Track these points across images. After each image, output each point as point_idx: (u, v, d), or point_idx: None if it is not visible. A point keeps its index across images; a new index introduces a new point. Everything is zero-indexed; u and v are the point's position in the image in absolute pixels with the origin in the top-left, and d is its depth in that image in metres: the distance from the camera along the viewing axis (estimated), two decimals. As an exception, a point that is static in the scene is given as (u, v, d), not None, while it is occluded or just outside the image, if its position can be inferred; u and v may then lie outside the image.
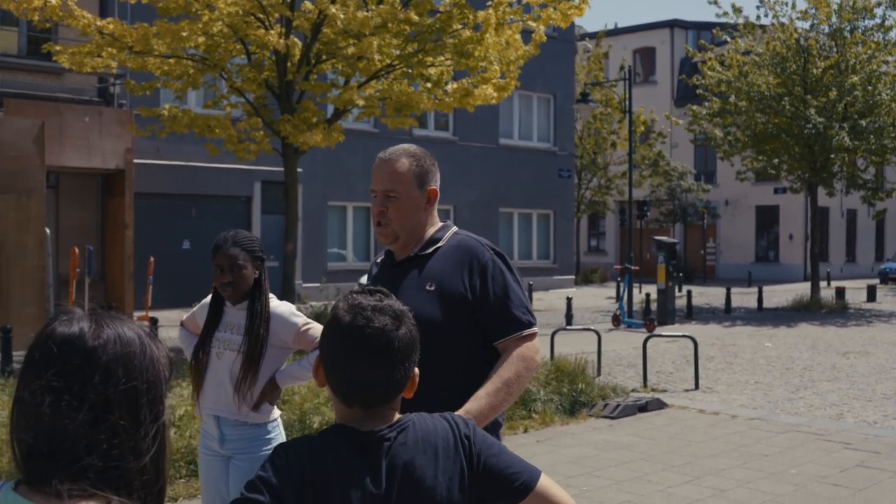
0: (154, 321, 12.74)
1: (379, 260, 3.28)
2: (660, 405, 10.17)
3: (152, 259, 20.33)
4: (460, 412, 2.65)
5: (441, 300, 2.93)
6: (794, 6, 23.71)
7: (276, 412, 3.99)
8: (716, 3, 24.13)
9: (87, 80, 19.57)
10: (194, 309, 4.24)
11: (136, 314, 19.28)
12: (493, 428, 2.90)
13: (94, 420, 1.34)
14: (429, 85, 14.50)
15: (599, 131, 36.22)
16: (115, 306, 1.52)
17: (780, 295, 28.65)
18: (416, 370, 1.96)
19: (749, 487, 6.94)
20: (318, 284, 24.87)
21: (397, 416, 1.93)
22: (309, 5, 13.39)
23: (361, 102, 13.65)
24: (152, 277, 19.80)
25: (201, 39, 13.05)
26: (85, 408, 1.34)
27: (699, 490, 6.88)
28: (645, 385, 11.43)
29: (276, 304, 3.95)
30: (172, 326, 18.22)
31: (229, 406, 3.85)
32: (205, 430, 4.01)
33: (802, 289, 29.88)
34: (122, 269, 19.29)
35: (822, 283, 25.36)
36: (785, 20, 23.75)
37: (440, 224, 3.16)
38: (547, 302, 25.92)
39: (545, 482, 1.94)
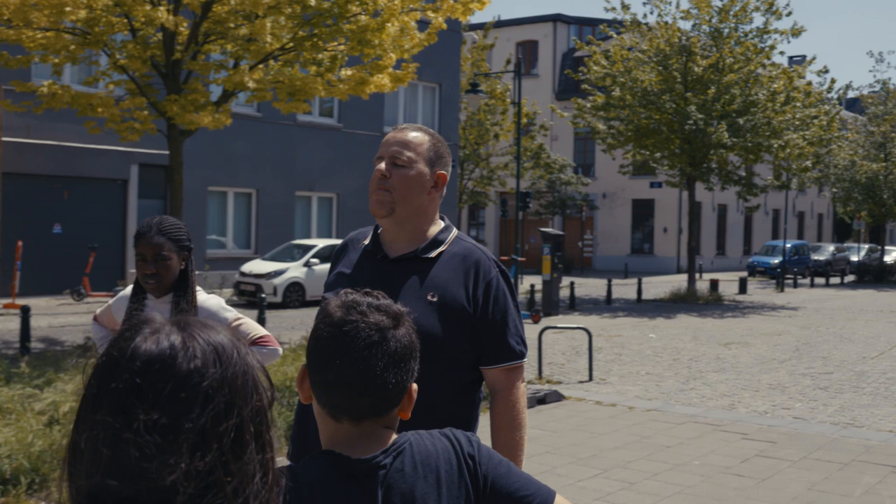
0: (25, 309, 12.03)
1: (363, 246, 2.89)
2: (558, 397, 10.18)
3: (20, 243, 19.33)
4: None
5: (442, 314, 2.65)
6: (678, 6, 24.27)
7: None
8: (606, -2, 24.49)
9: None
10: (110, 302, 3.90)
11: (2, 301, 18.30)
12: None
13: (190, 460, 1.07)
14: (321, 70, 14.16)
15: (483, 122, 36.33)
16: None
17: (656, 286, 29.37)
18: (415, 385, 1.71)
19: (658, 479, 6.97)
20: (199, 272, 24.15)
21: (393, 436, 1.69)
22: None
23: (253, 85, 13.22)
24: (20, 263, 18.86)
25: (83, 13, 12.40)
26: (179, 447, 1.07)
27: (609, 483, 6.87)
28: (540, 377, 11.43)
29: (205, 298, 3.65)
30: (43, 315, 17.39)
31: None
32: None
33: (677, 280, 30.74)
34: (-10, 254, 18.28)
35: (695, 276, 26.09)
36: (669, 19, 24.30)
37: (442, 224, 2.86)
38: (431, 292, 25.88)
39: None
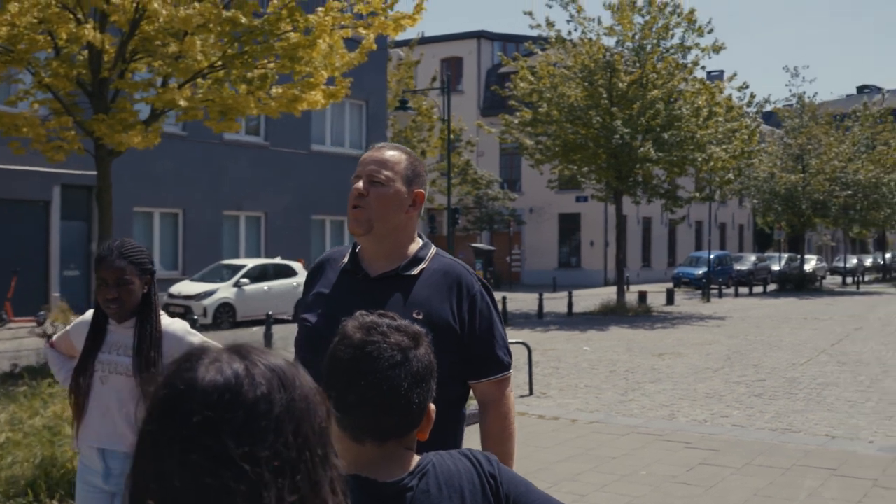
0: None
1: (341, 265, 2.85)
2: (501, 411, 10.20)
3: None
4: None
5: (428, 331, 2.66)
6: (600, 22, 24.69)
7: None
8: (531, 14, 24.76)
9: None
10: (68, 327, 3.79)
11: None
12: None
13: (271, 491, 1.04)
14: (252, 88, 14.02)
15: (410, 139, 36.38)
16: None
17: (585, 299, 29.67)
18: (433, 406, 1.72)
19: (607, 491, 7.03)
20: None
21: (415, 458, 1.70)
22: (126, 0, 12.65)
23: (184, 104, 13.03)
24: (-61, 288, 18.26)
25: (4, 31, 12.09)
26: (259, 477, 1.03)
27: (560, 496, 6.88)
28: (481, 391, 11.44)
29: (168, 322, 3.58)
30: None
31: (118, 437, 3.44)
32: (85, 465, 3.57)
33: (605, 293, 31.11)
34: None
35: (625, 288, 26.46)
36: (593, 35, 24.67)
37: (421, 242, 2.85)
38: (362, 309, 25.75)
39: None
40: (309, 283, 2.94)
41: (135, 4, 12.32)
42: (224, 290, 21.39)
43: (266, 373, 1.09)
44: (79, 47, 13.15)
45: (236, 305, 21.40)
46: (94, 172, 13.67)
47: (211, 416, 1.04)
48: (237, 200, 27.53)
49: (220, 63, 13.46)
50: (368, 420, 1.63)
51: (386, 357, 1.63)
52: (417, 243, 2.85)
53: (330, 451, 1.14)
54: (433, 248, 2.87)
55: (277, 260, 23.97)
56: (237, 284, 21.72)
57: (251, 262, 23.00)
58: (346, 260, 2.85)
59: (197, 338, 3.58)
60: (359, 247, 2.85)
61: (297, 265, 23.92)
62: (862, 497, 6.92)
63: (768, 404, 10.87)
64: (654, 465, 7.87)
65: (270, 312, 18.05)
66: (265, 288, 22.29)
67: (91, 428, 3.48)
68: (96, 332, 3.53)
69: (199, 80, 13.89)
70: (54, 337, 3.85)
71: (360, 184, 2.72)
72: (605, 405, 10.89)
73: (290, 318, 22.78)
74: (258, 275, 22.49)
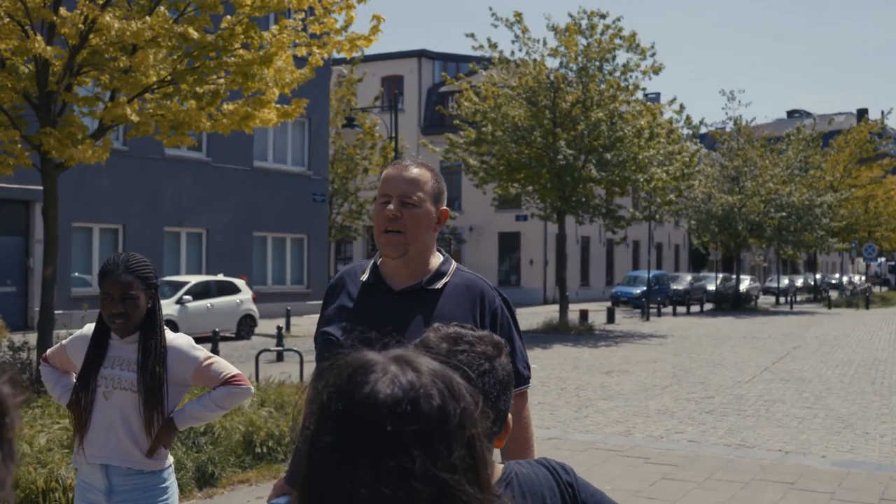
0: None
1: (363, 279, 2.85)
2: (459, 428, 10.23)
3: None
4: None
5: None
6: (545, 44, 24.97)
7: (170, 458, 3.58)
8: (472, 36, 24.96)
9: None
10: (64, 342, 3.73)
11: None
12: None
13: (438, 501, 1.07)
14: (202, 103, 13.91)
15: (352, 157, 36.33)
16: None
17: (527, 318, 29.85)
18: (511, 416, 1.78)
19: (575, 506, 7.08)
20: (61, 311, 23.16)
21: (500, 467, 1.75)
22: (76, 13, 12.47)
23: (136, 119, 12.87)
24: None
25: (-51, 42, 11.83)
26: (431, 488, 1.07)
27: (529, 511, 6.94)
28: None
29: (173, 337, 3.55)
30: None
31: (122, 453, 3.40)
32: (86, 483, 3.51)
33: (545, 311, 31.38)
34: None
35: (567, 306, 26.70)
36: (537, 56, 24.95)
37: (442, 257, 2.89)
38: (303, 328, 25.51)
39: None
40: (329, 298, 2.94)
41: (84, 17, 12.16)
42: (166, 308, 21.05)
43: (437, 382, 1.12)
44: (21, 60, 12.93)
45: (179, 322, 21.07)
46: (30, 187, 13.46)
47: (396, 428, 1.07)
48: (178, 217, 27.19)
49: (169, 78, 13.33)
50: None
51: (476, 366, 1.67)
52: (438, 258, 2.88)
53: (489, 450, 1.17)
54: (453, 263, 2.90)
55: (220, 277, 23.71)
56: (179, 301, 21.42)
57: (193, 279, 22.71)
58: (366, 274, 2.86)
59: (202, 352, 3.55)
60: (380, 260, 2.87)
61: (239, 282, 23.69)
62: (821, 510, 7.09)
63: (720, 420, 11.06)
64: (617, 480, 7.96)
65: (217, 329, 17.88)
66: (208, 305, 22.03)
67: (94, 444, 3.43)
68: (98, 347, 3.48)
69: (147, 95, 13.74)
70: (48, 351, 3.79)
71: (392, 205, 2.73)
72: (561, 422, 10.98)
73: (234, 335, 22.56)
74: (201, 291, 22.21)
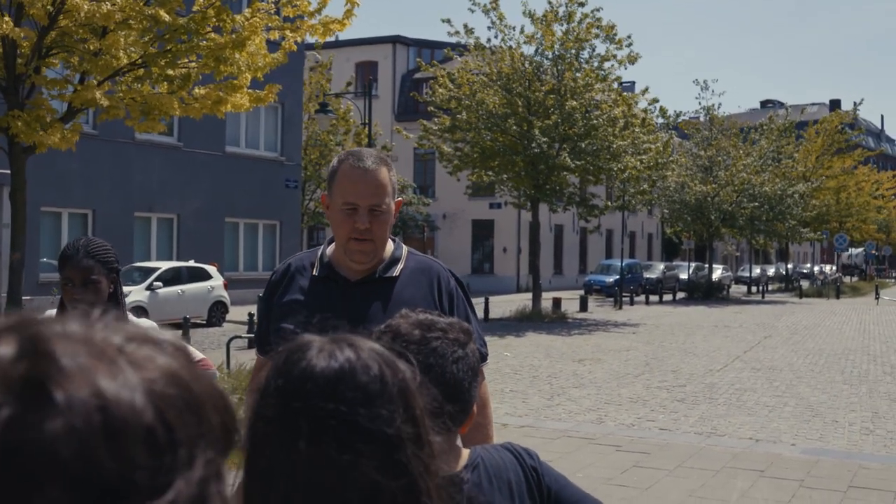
0: None
1: (316, 273, 2.79)
2: (431, 416, 10.20)
3: None
4: None
5: None
6: (522, 31, 24.89)
7: None
8: (448, 22, 24.85)
9: None
10: None
11: None
12: None
13: (389, 471, 1.07)
14: (173, 87, 13.75)
15: (326, 143, 36.14)
16: None
17: (499, 306, 29.86)
18: (475, 406, 1.78)
19: (546, 494, 7.07)
20: (29, 297, 22.91)
21: (466, 451, 1.74)
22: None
23: (105, 103, 12.70)
24: None
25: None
26: (374, 458, 1.07)
27: (500, 499, 6.92)
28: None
29: (136, 323, 3.47)
30: None
31: None
32: None
33: (519, 299, 31.40)
34: None
35: (540, 294, 26.73)
36: (513, 44, 24.89)
37: (393, 243, 2.86)
38: (277, 314, 25.43)
39: None
40: (273, 293, 2.88)
41: (53, -4, 11.97)
42: (136, 294, 20.86)
43: (374, 356, 1.14)
44: (-10, 41, 12.72)
45: (149, 309, 20.86)
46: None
47: (332, 400, 1.09)
48: (149, 202, 26.94)
49: (140, 61, 13.16)
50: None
51: (449, 353, 1.67)
52: (390, 244, 2.85)
53: (432, 434, 1.17)
54: (404, 247, 2.90)
55: (191, 263, 23.52)
56: (150, 287, 21.24)
57: (164, 265, 22.52)
58: (317, 268, 2.82)
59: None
60: (329, 251, 2.82)
61: (211, 268, 23.53)
62: (790, 497, 7.12)
63: (691, 409, 11.10)
64: (589, 467, 7.95)
65: (188, 316, 17.75)
66: (179, 291, 21.86)
67: None
68: None
69: (118, 78, 13.56)
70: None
71: (363, 220, 2.67)
72: (533, 409, 10.98)
73: (205, 321, 22.41)
74: (171, 278, 22.04)
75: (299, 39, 13.59)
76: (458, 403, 1.67)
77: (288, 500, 1.08)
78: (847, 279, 59.42)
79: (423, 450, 1.12)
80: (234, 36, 13.00)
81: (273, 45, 13.98)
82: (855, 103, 49.64)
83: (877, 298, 38.78)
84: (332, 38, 42.99)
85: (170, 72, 13.49)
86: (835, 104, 73.58)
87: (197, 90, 13.61)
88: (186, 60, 13.52)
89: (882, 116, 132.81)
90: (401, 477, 1.08)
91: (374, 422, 1.08)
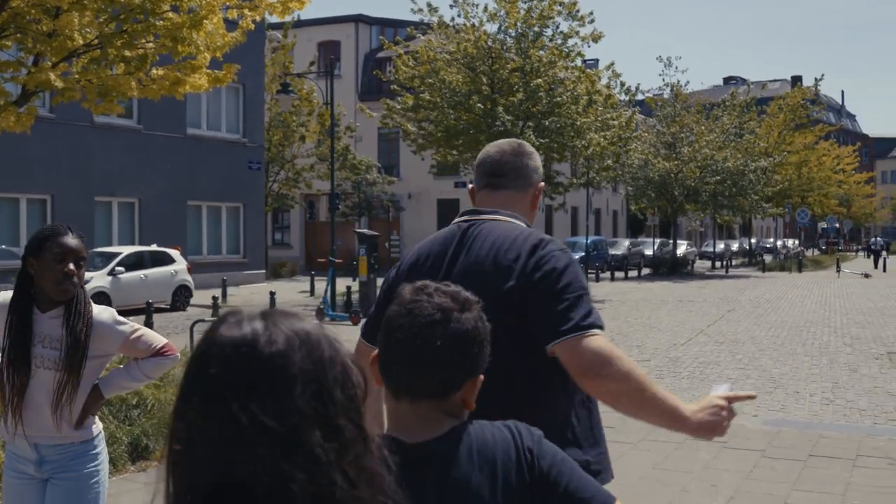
0: None
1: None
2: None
3: None
4: None
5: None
6: (485, 9, 24.79)
7: (99, 425, 3.49)
8: (412, -1, 24.71)
9: None
10: None
11: None
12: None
13: (286, 449, 1.09)
14: (130, 68, 13.55)
15: (289, 123, 35.89)
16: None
17: (466, 285, 29.92)
18: (480, 376, 1.71)
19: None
20: (-11, 284, 22.59)
21: (450, 423, 1.67)
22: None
23: (60, 85, 12.48)
24: None
25: None
26: (273, 433, 1.08)
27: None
28: (374, 376, 11.40)
29: (98, 311, 3.41)
30: None
31: (49, 430, 3.30)
32: (13, 453, 3.40)
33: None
34: None
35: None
36: (476, 21, 24.80)
37: None
38: (241, 297, 25.24)
39: None
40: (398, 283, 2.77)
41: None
42: (98, 279, 20.61)
43: (287, 333, 1.14)
44: (-59, 22, 12.47)
45: (111, 294, 20.64)
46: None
47: (226, 369, 1.11)
48: (109, 186, 26.61)
49: (96, 42, 12.96)
50: (402, 376, 1.67)
51: (425, 315, 1.66)
52: None
53: (361, 421, 1.16)
54: None
55: (153, 247, 23.29)
56: (112, 273, 21.00)
57: (126, 250, 22.28)
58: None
59: (128, 326, 3.45)
60: None
61: (174, 252, 23.31)
62: (752, 468, 7.19)
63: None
64: (553, 443, 7.98)
65: (151, 301, 17.59)
66: (142, 276, 21.65)
67: (25, 424, 3.30)
68: (23, 322, 3.31)
69: (73, 60, 13.35)
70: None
71: None
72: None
73: (169, 306, 22.21)
74: (134, 263, 21.80)
75: (258, 18, 13.43)
76: (428, 370, 1.64)
77: (190, 460, 1.11)
78: (808, 253, 60.06)
79: (338, 435, 1.12)
80: (191, 15, 12.82)
81: (232, 25, 13.81)
82: (816, 79, 50.10)
83: (838, 272, 39.25)
84: (295, 18, 42.38)
85: (126, 52, 13.29)
86: (796, 80, 74.09)
87: (155, 71, 13.42)
88: (143, 41, 13.32)
89: (843, 92, 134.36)
90: (301, 457, 1.08)
91: (274, 399, 1.10)
